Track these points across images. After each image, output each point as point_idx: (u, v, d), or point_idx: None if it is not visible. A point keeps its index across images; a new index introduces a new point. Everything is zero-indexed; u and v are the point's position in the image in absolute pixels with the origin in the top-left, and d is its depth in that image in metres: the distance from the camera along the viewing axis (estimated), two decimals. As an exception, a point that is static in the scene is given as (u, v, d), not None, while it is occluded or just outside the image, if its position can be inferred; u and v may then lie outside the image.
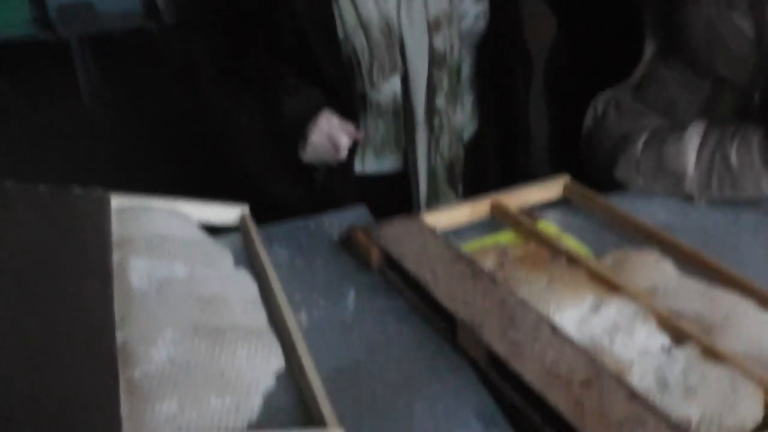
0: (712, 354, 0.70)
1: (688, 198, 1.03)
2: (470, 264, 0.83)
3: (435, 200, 1.20)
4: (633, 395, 0.64)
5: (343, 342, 0.79)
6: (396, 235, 0.89)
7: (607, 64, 1.22)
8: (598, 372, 0.67)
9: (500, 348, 0.70)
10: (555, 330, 0.72)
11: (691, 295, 0.80)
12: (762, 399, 0.66)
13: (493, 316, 0.75)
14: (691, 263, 0.86)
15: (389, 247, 0.87)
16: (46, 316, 0.71)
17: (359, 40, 1.11)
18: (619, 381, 0.66)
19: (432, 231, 0.90)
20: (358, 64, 1.13)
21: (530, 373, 0.67)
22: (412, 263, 0.84)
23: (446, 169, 1.20)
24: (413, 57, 1.15)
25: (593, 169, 1.16)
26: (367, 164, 1.21)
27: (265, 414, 0.68)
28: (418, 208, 1.19)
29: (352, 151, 1.16)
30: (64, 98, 3.21)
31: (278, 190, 1.27)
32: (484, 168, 1.29)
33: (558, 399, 0.64)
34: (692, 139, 1.01)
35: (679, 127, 1.04)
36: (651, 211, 1.02)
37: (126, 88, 3.21)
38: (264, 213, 1.04)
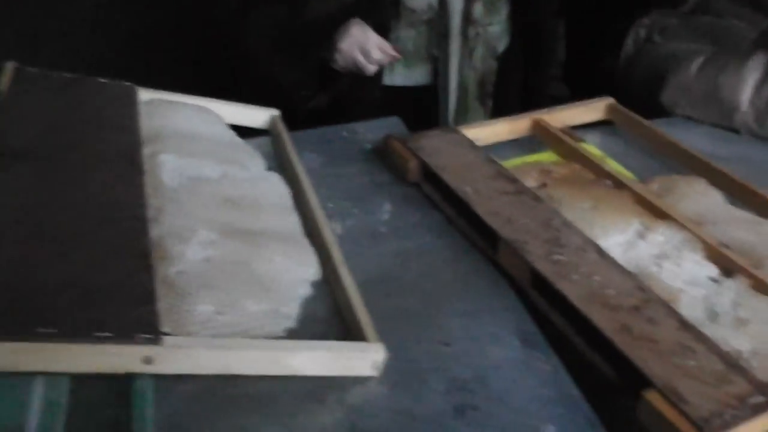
0: (762, 286, 0.68)
1: (736, 130, 1.00)
2: (513, 181, 0.80)
3: (464, 115, 1.16)
4: (683, 324, 0.62)
5: (378, 253, 0.77)
6: (435, 147, 0.86)
7: None
8: (647, 298, 0.65)
9: (544, 268, 0.68)
10: (602, 253, 0.70)
11: (739, 226, 0.78)
12: (813, 335, 0.64)
13: (537, 236, 0.72)
14: (739, 194, 0.83)
15: (428, 158, 0.84)
16: (75, 202, 0.69)
17: None
18: (669, 309, 0.64)
19: (472, 144, 0.87)
20: None
21: (575, 295, 0.65)
22: (452, 177, 0.80)
23: (477, 83, 1.15)
24: None
25: (633, 92, 1.11)
26: (396, 75, 1.16)
27: (302, 322, 0.67)
28: (446, 122, 1.15)
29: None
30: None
31: (300, 97, 1.23)
32: (512, 84, 1.24)
33: (604, 323, 0.62)
34: (752, 73, 0.96)
35: (738, 56, 0.99)
36: (694, 139, 0.98)
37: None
38: (287, 120, 1.01)
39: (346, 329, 0.66)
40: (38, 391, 0.55)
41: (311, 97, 1.19)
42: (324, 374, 0.61)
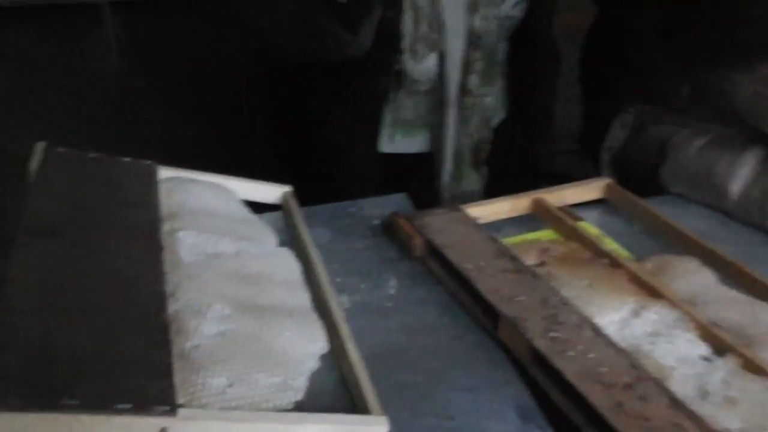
0: (752, 366, 0.71)
1: (727, 213, 1.03)
2: (513, 259, 0.84)
3: (459, 181, 1.22)
4: (675, 402, 0.65)
5: (383, 327, 0.81)
6: (439, 225, 0.90)
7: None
8: (639, 376, 0.68)
9: (542, 345, 0.71)
10: (597, 331, 0.73)
11: (731, 306, 0.81)
12: (801, 415, 0.67)
13: (536, 313, 0.75)
14: (731, 273, 0.87)
15: (432, 236, 0.88)
16: (98, 278, 0.73)
17: (409, 15, 1.13)
18: (661, 386, 0.67)
19: (475, 224, 0.91)
20: (403, 38, 1.14)
21: (572, 372, 0.68)
22: (455, 254, 0.84)
23: (472, 150, 1.21)
24: (452, 35, 1.16)
25: (632, 171, 1.16)
26: (397, 143, 1.22)
27: (309, 394, 0.70)
28: (442, 187, 1.21)
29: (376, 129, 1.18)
30: (96, 57, 3.23)
31: (304, 170, 1.29)
32: (509, 155, 1.30)
33: (600, 400, 0.65)
34: (749, 162, 1.00)
35: (740, 142, 1.03)
36: (689, 218, 1.02)
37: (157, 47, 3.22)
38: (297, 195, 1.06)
39: (351, 402, 0.70)
40: (61, 460, 0.58)
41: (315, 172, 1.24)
42: (330, 446, 0.64)
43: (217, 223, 0.87)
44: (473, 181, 1.22)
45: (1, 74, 2.91)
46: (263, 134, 1.52)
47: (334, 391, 0.72)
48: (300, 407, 0.67)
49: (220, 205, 0.92)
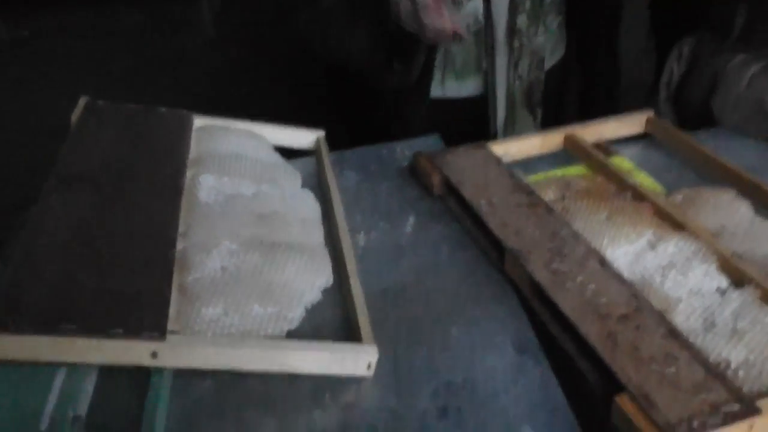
0: (771, 298, 0.67)
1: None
2: (530, 194, 0.82)
3: (512, 125, 1.18)
4: (671, 332, 0.62)
5: (395, 265, 0.81)
6: (459, 162, 0.89)
7: None
8: (639, 307, 0.65)
9: (542, 277, 0.69)
10: (603, 263, 0.71)
11: (762, 238, 0.75)
12: (816, 347, 0.62)
13: (542, 246, 0.73)
14: (771, 205, 0.81)
15: (450, 173, 0.87)
16: (116, 221, 0.77)
17: None
18: (660, 318, 0.64)
19: (497, 160, 0.89)
20: None
21: (568, 303, 0.66)
22: (469, 190, 0.83)
23: (525, 92, 1.17)
24: None
25: (689, 106, 1.10)
26: (448, 88, 1.20)
27: (309, 325, 0.71)
28: (495, 132, 1.18)
29: (429, 74, 1.16)
30: (189, 27, 3.34)
31: (378, 72, 1.28)
32: (566, 96, 1.25)
33: (590, 330, 0.63)
34: None
35: None
36: (739, 152, 0.96)
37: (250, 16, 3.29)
38: (343, 140, 1.07)
39: (350, 334, 0.71)
40: (58, 381, 0.63)
41: (389, 68, 1.23)
42: (320, 373, 0.66)
43: (241, 167, 0.90)
44: (527, 124, 1.19)
45: (106, 51, 3.06)
46: (331, 93, 1.54)
47: (334, 323, 0.73)
48: (294, 337, 0.69)
49: (248, 150, 0.94)
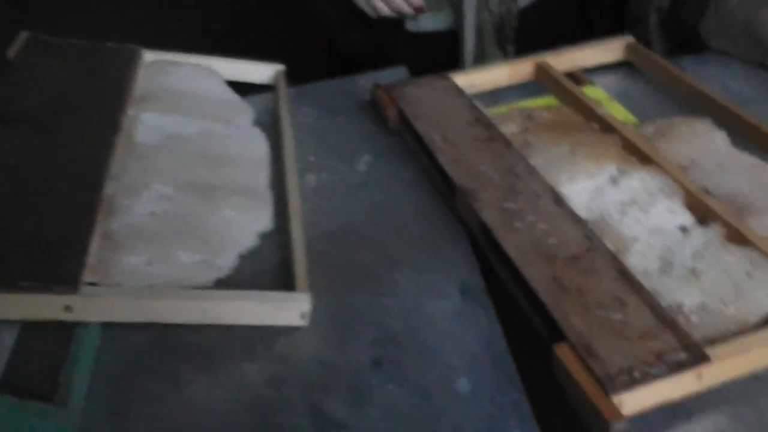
0: (737, 236, 0.61)
1: (770, 70, 0.89)
2: (488, 128, 0.76)
3: (482, 60, 1.11)
4: (622, 275, 0.57)
5: (346, 206, 0.76)
6: (417, 94, 0.83)
7: None
8: (591, 247, 0.60)
9: (490, 216, 0.64)
10: (558, 201, 0.65)
11: (736, 171, 0.70)
12: (781, 289, 0.57)
13: (494, 184, 0.68)
14: (750, 136, 0.75)
15: (406, 106, 0.81)
16: (48, 163, 0.72)
17: None
18: (612, 259, 0.59)
19: (458, 91, 0.83)
20: None
21: (514, 244, 0.61)
22: (424, 125, 0.78)
23: (495, 27, 1.10)
24: None
25: (677, 28, 1.02)
26: (422, 21, 1.13)
27: (247, 273, 0.67)
28: (464, 67, 1.11)
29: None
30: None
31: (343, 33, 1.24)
32: (541, 31, 1.17)
33: (534, 274, 0.58)
34: None
35: None
36: (725, 78, 0.89)
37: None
38: (311, 73, 1.01)
39: (287, 281, 0.67)
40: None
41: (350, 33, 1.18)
42: (252, 324, 0.62)
43: (189, 104, 0.85)
44: (497, 59, 1.12)
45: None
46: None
47: (273, 269, 0.69)
48: (225, 285, 0.65)
49: (197, 86, 0.89)
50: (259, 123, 0.88)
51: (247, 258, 0.69)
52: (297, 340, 0.62)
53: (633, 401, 0.49)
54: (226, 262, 0.66)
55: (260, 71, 0.98)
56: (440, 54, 1.14)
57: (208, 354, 0.61)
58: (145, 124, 0.80)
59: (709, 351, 0.51)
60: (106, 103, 0.83)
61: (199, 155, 0.77)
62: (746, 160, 0.71)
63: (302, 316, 0.62)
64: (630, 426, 0.49)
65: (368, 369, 0.59)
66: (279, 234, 0.72)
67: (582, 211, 0.66)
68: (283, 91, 0.93)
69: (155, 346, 0.62)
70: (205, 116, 0.83)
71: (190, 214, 0.69)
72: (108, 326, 0.62)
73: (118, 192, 0.70)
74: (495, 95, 0.89)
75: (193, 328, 0.62)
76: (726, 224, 0.62)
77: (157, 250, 0.64)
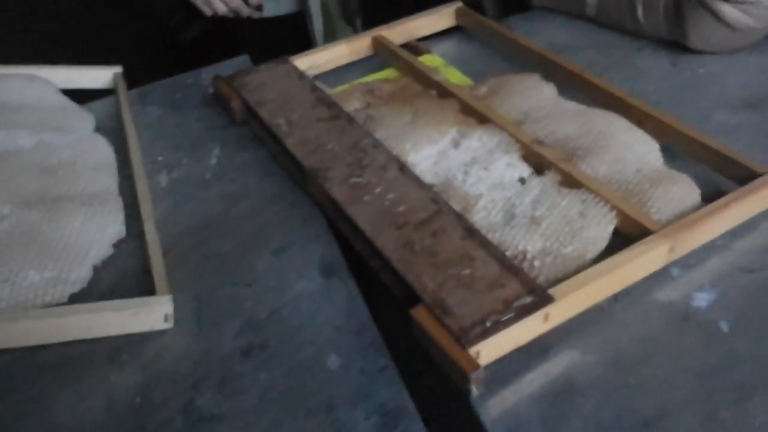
0: (570, 181, 0.66)
1: (591, 21, 0.95)
2: (331, 106, 0.77)
3: (332, 37, 1.13)
4: (469, 232, 0.60)
5: (200, 200, 0.76)
6: (259, 82, 0.83)
7: None
8: (439, 210, 0.63)
9: (340, 193, 0.66)
10: (403, 170, 0.68)
11: (565, 118, 0.74)
12: (611, 224, 0.61)
13: (342, 161, 0.70)
14: (575, 85, 0.80)
15: (248, 95, 0.81)
16: None
17: None
18: (458, 218, 0.62)
19: (299, 74, 0.84)
20: None
21: (364, 217, 0.63)
22: (268, 111, 0.78)
23: (339, 2, 1.11)
24: None
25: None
26: (266, 7, 1.13)
27: (103, 283, 0.66)
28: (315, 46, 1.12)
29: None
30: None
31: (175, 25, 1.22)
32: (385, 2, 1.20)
33: (386, 242, 0.60)
34: None
35: None
36: (551, 32, 0.94)
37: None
38: (154, 71, 0.99)
39: (147, 285, 0.66)
40: None
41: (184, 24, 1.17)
42: (115, 334, 0.61)
43: (22, 117, 0.81)
44: (347, 34, 1.13)
45: None
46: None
47: (135, 276, 0.67)
48: (82, 299, 0.63)
49: (28, 97, 0.85)
50: (102, 128, 0.86)
51: (103, 268, 0.67)
52: (164, 342, 0.61)
53: (489, 350, 0.52)
54: (80, 275, 0.64)
55: (97, 76, 0.94)
56: (289, 37, 1.14)
57: (73, 369, 0.60)
58: (-25, 143, 0.76)
59: (552, 291, 0.55)
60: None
61: (38, 168, 0.75)
62: (573, 108, 0.76)
63: (166, 318, 0.61)
64: (486, 374, 0.52)
65: (238, 359, 0.59)
66: (134, 239, 0.70)
67: (428, 177, 0.69)
68: (124, 93, 0.91)
69: (16, 367, 0.60)
70: (40, 127, 0.80)
71: (34, 230, 0.66)
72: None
73: (-47, 219, 0.66)
74: (338, 74, 0.90)
75: (51, 347, 0.61)
76: (559, 170, 0.66)
77: (2, 272, 0.61)
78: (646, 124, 0.72)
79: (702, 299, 0.59)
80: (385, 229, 0.61)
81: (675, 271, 0.61)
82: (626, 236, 0.61)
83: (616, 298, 0.59)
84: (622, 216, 0.62)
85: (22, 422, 0.55)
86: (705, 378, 0.53)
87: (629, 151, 0.68)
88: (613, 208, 0.62)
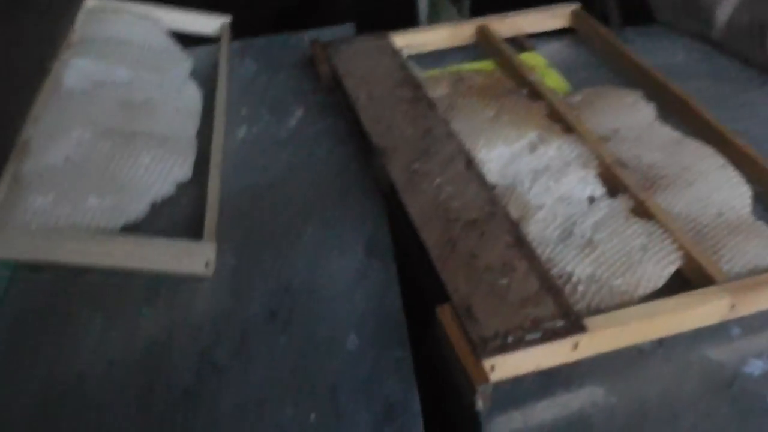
0: (642, 210, 0.61)
1: (716, 45, 0.88)
2: (415, 89, 0.76)
3: (436, 15, 1.10)
4: (517, 241, 0.57)
5: (270, 159, 0.76)
6: (353, 52, 0.82)
7: None
8: (492, 212, 0.60)
9: (399, 177, 0.64)
10: (469, 165, 0.65)
11: (656, 144, 0.69)
12: (673, 264, 0.57)
13: (410, 145, 0.68)
14: (677, 111, 0.74)
15: (339, 64, 0.80)
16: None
17: None
18: (511, 225, 0.59)
19: (393, 52, 0.83)
20: None
21: (417, 205, 0.61)
22: (353, 83, 0.77)
23: None
24: None
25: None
26: None
27: (157, 221, 0.67)
28: (418, 23, 1.11)
29: None
30: None
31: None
32: None
33: (431, 235, 0.58)
34: None
35: None
36: (668, 51, 0.89)
37: None
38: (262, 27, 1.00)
39: (198, 231, 0.67)
40: None
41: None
42: (155, 269, 0.62)
43: (123, 52, 0.84)
44: (452, 15, 1.11)
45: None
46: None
47: (189, 220, 0.69)
48: (135, 230, 0.65)
49: (135, 34, 0.88)
50: (197, 74, 0.88)
51: (161, 207, 0.69)
52: (199, 289, 0.62)
53: (505, 367, 0.50)
54: (137, 208, 0.66)
55: (206, 23, 0.97)
56: (398, 12, 1.13)
57: (109, 299, 0.61)
58: (75, 69, 0.79)
59: (589, 321, 0.51)
60: (40, 46, 0.82)
61: (125, 103, 0.77)
62: (667, 134, 0.71)
63: (207, 264, 0.62)
64: (500, 390, 0.50)
65: (262, 321, 0.59)
66: (198, 185, 0.72)
67: (495, 177, 0.66)
68: (226, 43, 0.92)
69: (57, 287, 0.62)
70: (137, 65, 0.83)
71: (106, 159, 0.69)
72: (18, 266, 0.63)
73: (36, 135, 0.69)
74: (435, 57, 0.88)
75: (97, 272, 0.63)
76: (633, 197, 0.62)
77: (65, 193, 0.64)
78: (743, 167, 0.66)
79: (756, 366, 0.54)
80: (433, 222, 0.60)
81: (735, 331, 0.56)
82: (687, 282, 0.57)
83: (660, 343, 0.55)
84: (688, 258, 0.57)
85: (48, 342, 0.57)
86: (730, 453, 0.48)
87: (716, 191, 0.63)
88: (680, 248, 0.58)
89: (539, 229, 0.60)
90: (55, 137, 0.69)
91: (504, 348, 0.49)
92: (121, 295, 0.62)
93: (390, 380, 0.53)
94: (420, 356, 0.56)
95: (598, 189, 0.65)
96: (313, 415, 0.51)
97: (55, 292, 0.62)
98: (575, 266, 0.57)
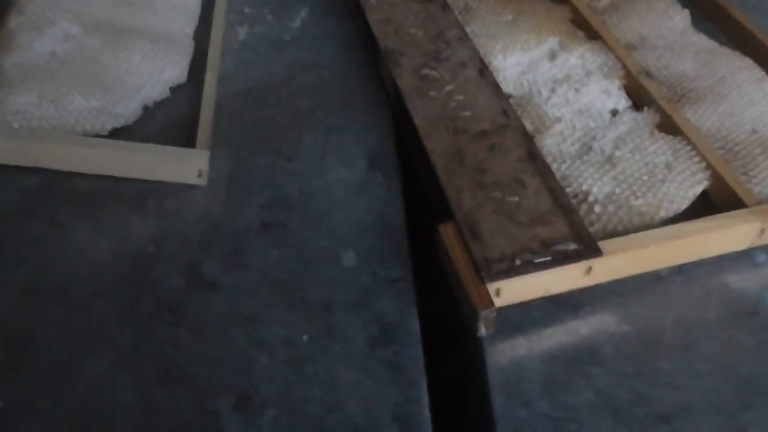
0: (668, 125, 0.56)
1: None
2: (432, -12, 0.70)
3: None
4: (530, 155, 0.53)
5: (271, 61, 0.71)
6: (364, -53, 0.76)
7: None
8: (503, 124, 0.55)
9: (406, 83, 0.60)
10: (483, 72, 0.60)
11: (688, 53, 0.64)
12: (700, 185, 0.52)
13: (420, 48, 0.63)
14: (714, 17, 0.68)
15: (349, -41, 0.74)
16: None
17: None
18: (525, 138, 0.54)
19: (409, -53, 0.76)
20: None
21: (423, 114, 0.57)
22: (362, -21, 0.71)
23: None
24: None
25: None
26: None
27: (148, 125, 0.63)
28: None
29: None
30: None
31: None
32: None
33: (437, 146, 0.54)
34: None
35: None
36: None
37: None
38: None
39: (191, 137, 0.63)
40: None
41: None
42: (144, 178, 0.59)
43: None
44: None
45: None
46: None
47: (183, 125, 0.64)
48: (124, 135, 0.61)
49: None
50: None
51: (152, 110, 0.65)
52: (190, 198, 0.59)
53: (511, 291, 0.46)
54: (126, 111, 0.62)
55: None
56: None
57: (98, 204, 0.58)
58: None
59: (604, 245, 0.47)
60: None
61: (118, -5, 0.72)
62: (701, 42, 0.65)
63: (199, 174, 0.58)
64: (504, 314, 0.47)
65: (255, 232, 0.56)
66: (194, 88, 0.67)
67: (510, 86, 0.61)
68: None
69: (45, 190, 0.59)
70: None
71: (94, 56, 0.64)
72: (5, 168, 0.59)
73: (20, 27, 0.65)
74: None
75: (86, 177, 0.59)
76: (660, 110, 0.57)
77: (50, 91, 0.60)
78: (783, 80, 0.61)
79: (781, 296, 0.50)
80: (440, 132, 0.55)
81: (761, 258, 0.52)
82: (714, 204, 0.53)
83: (680, 269, 0.51)
84: (716, 179, 0.53)
85: (34, 244, 0.54)
86: (747, 387, 0.45)
87: (751, 106, 0.58)
88: (708, 167, 0.53)
89: (555, 144, 0.56)
90: (41, 30, 0.64)
91: (510, 271, 0.46)
92: (111, 201, 0.58)
93: (387, 300, 0.50)
94: (422, 277, 0.52)
95: (621, 101, 0.60)
96: (305, 337, 0.48)
97: (42, 195, 0.59)
98: (592, 184, 0.52)
